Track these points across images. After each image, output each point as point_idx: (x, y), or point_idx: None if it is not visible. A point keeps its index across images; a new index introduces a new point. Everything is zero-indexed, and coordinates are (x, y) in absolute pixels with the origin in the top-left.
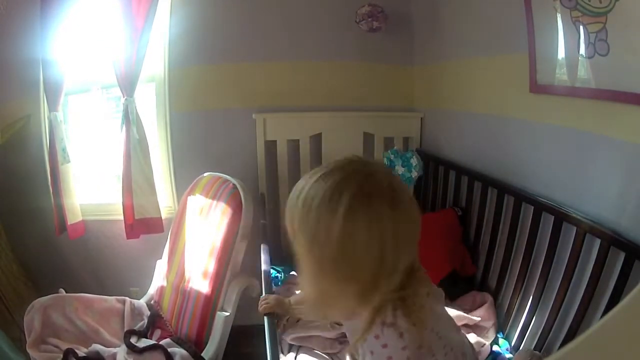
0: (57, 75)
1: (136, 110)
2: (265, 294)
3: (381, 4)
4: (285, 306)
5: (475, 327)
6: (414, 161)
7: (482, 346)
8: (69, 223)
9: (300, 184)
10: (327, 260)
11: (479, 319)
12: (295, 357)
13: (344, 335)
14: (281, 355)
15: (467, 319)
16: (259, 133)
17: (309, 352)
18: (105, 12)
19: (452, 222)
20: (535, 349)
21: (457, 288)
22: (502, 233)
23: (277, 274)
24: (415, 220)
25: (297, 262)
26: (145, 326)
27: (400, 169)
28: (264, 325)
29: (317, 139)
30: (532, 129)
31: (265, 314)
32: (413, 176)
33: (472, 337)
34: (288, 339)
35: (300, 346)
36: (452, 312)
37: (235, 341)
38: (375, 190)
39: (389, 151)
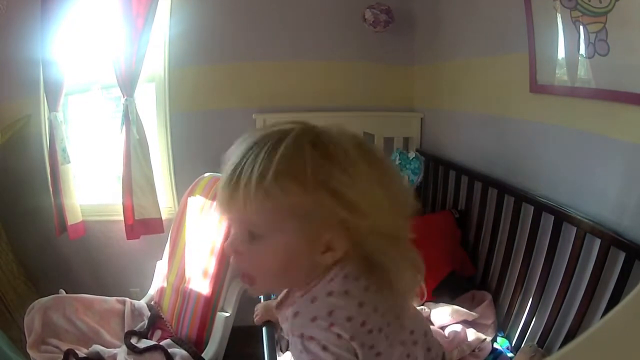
0: (57, 75)
1: (136, 110)
2: (263, 298)
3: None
4: (273, 311)
5: (474, 324)
6: (422, 166)
7: (483, 341)
8: (69, 223)
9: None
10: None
11: (477, 315)
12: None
13: None
14: (280, 353)
15: (466, 315)
16: None
17: None
18: (105, 12)
19: (449, 224)
20: None
21: (456, 288)
22: (502, 233)
23: None
24: None
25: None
26: (145, 327)
27: (406, 172)
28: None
29: None
30: (532, 129)
31: (262, 324)
32: (419, 180)
33: (472, 333)
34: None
35: None
36: (449, 307)
37: (235, 342)
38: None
39: (397, 151)
